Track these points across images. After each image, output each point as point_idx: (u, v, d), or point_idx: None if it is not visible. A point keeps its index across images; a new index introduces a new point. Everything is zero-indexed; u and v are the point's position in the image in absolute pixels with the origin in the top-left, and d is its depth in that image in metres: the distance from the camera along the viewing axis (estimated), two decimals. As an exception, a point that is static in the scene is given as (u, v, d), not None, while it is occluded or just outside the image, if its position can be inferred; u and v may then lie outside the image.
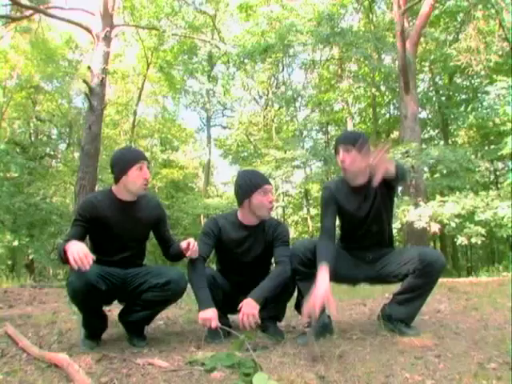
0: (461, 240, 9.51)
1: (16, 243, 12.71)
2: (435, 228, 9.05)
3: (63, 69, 16.64)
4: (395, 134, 15.37)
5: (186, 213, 16.08)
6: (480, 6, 11.14)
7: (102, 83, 9.51)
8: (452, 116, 14.35)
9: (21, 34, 14.63)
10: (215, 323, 2.02)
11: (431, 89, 15.84)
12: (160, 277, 2.14)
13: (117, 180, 2.19)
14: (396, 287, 2.36)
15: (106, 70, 10.00)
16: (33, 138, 16.66)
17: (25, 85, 15.70)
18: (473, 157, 11.26)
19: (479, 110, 12.36)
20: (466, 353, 1.90)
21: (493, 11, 11.65)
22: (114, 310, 2.65)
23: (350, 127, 15.70)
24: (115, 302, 2.31)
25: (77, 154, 14.49)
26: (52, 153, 16.76)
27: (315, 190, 17.00)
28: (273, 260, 2.38)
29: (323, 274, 1.99)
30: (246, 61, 14.65)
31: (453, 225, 9.13)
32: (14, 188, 13.21)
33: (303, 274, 2.21)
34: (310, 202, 17.20)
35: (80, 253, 1.79)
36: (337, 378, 1.62)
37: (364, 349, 2.00)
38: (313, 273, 2.07)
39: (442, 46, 13.34)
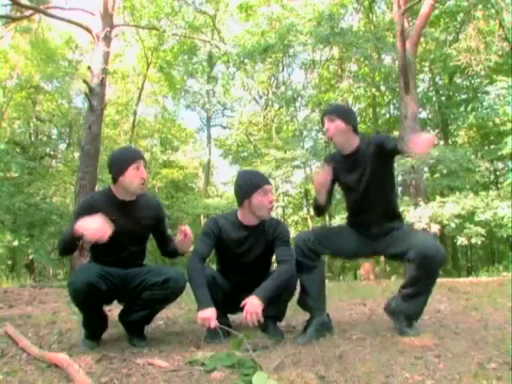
0: (461, 240, 9.51)
1: (16, 243, 12.73)
2: (435, 229, 9.05)
3: (63, 69, 16.63)
4: (395, 134, 15.36)
5: (186, 213, 16.12)
6: (480, 6, 11.14)
7: (102, 83, 9.50)
8: (452, 116, 14.33)
9: (21, 33, 14.62)
10: (214, 323, 2.02)
11: (431, 89, 15.82)
12: (159, 275, 2.14)
13: (114, 180, 2.20)
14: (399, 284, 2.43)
15: (106, 69, 9.98)
16: (33, 138, 16.66)
17: (25, 85, 15.70)
18: (473, 157, 11.27)
19: (479, 109, 12.35)
20: (466, 353, 1.90)
21: (493, 11, 11.64)
22: (114, 310, 2.65)
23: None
24: (115, 302, 2.31)
25: (77, 154, 14.49)
26: (52, 153, 16.78)
27: (315, 189, 16.94)
28: (273, 260, 2.38)
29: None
30: (246, 61, 14.66)
31: (453, 225, 9.13)
32: (14, 188, 13.22)
33: (306, 267, 2.27)
34: (310, 201, 17.17)
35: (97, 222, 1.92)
36: (337, 378, 1.62)
37: (364, 349, 2.00)
38: (315, 266, 2.15)
39: (441, 46, 13.32)
